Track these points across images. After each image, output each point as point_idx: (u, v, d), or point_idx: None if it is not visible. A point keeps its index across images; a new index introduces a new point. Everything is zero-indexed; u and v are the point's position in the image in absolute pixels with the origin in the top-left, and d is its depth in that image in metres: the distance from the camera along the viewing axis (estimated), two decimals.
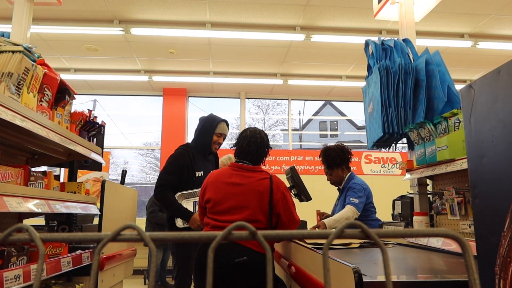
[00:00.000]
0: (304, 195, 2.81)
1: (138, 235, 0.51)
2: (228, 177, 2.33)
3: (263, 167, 2.48)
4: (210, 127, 3.06)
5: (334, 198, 3.42)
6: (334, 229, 0.50)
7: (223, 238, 0.49)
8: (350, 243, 2.15)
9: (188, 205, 2.90)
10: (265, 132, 2.53)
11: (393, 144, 3.02)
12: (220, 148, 3.28)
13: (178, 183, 2.91)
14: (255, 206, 2.22)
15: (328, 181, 3.27)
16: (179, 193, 2.89)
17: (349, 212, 2.87)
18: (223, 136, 3.12)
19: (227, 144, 9.39)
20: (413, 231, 0.49)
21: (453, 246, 1.93)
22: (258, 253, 2.15)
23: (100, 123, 3.06)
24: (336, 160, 3.11)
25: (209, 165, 3.14)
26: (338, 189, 3.30)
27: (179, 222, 2.85)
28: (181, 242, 0.50)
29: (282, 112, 10.17)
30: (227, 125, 3.17)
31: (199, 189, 2.82)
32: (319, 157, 3.27)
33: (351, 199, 2.94)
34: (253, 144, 2.38)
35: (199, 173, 2.99)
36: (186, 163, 2.95)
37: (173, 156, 3.02)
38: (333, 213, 3.28)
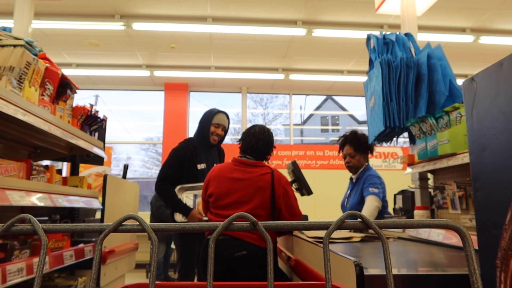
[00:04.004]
0: (305, 189, 2.81)
1: (140, 226, 0.51)
2: (231, 172, 2.34)
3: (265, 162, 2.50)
4: (208, 118, 3.06)
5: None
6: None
7: (224, 228, 0.49)
8: (352, 237, 2.16)
9: (188, 198, 2.91)
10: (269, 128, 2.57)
11: (394, 138, 3.01)
12: (224, 143, 3.27)
13: (179, 177, 2.92)
14: (256, 201, 2.23)
15: (346, 164, 3.16)
16: (179, 186, 2.90)
17: (374, 201, 2.80)
18: (222, 127, 3.09)
19: (230, 139, 9.40)
20: (414, 221, 0.49)
21: (454, 240, 1.93)
22: (258, 247, 2.16)
23: (101, 117, 3.07)
24: (368, 144, 3.08)
25: (212, 158, 3.13)
26: (350, 178, 3.25)
27: (179, 217, 2.86)
28: (183, 232, 0.50)
29: (281, 105, 10.17)
30: (227, 117, 3.14)
31: (200, 183, 2.83)
32: (343, 138, 3.16)
33: (369, 189, 2.89)
34: (262, 142, 2.42)
35: (201, 166, 2.99)
36: (187, 156, 2.96)
37: (174, 150, 3.03)
38: (343, 205, 3.26)
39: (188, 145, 3.02)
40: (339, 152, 3.24)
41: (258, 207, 2.23)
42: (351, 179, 3.24)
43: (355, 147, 3.08)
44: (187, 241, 2.95)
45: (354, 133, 3.13)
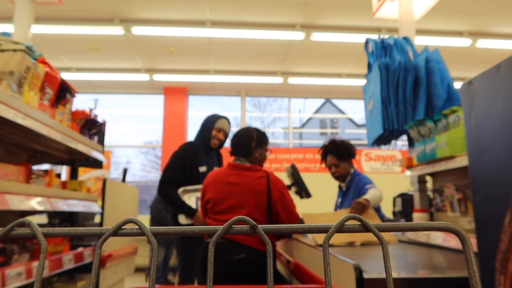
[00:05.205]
0: (304, 192, 2.81)
1: (139, 230, 0.51)
2: (226, 177, 2.34)
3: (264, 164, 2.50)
4: (210, 122, 3.10)
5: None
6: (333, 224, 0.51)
7: (224, 232, 0.49)
8: (353, 242, 2.16)
9: (191, 200, 2.91)
10: (261, 129, 2.54)
11: (393, 142, 3.01)
12: (224, 147, 3.28)
13: (181, 179, 2.93)
14: (252, 205, 2.23)
15: (332, 175, 3.08)
16: (182, 189, 2.90)
17: (376, 191, 2.70)
18: (223, 131, 3.13)
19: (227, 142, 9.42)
20: (413, 224, 0.49)
21: (453, 243, 1.93)
22: (256, 250, 2.16)
23: (101, 121, 3.07)
24: (350, 151, 2.98)
25: (212, 161, 3.15)
26: (339, 187, 3.20)
27: (182, 219, 2.87)
28: (182, 236, 0.50)
29: (279, 108, 10.18)
30: (229, 122, 3.18)
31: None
32: (323, 149, 3.09)
33: (366, 186, 2.82)
34: (236, 137, 2.45)
35: (202, 169, 3.00)
36: (189, 159, 2.98)
37: (176, 153, 3.04)
38: None
39: (190, 148, 3.03)
40: (321, 163, 3.15)
41: (255, 211, 2.23)
42: (340, 187, 3.18)
43: (338, 156, 2.99)
44: (188, 245, 2.95)
45: (333, 142, 3.03)
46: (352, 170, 3.04)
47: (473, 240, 1.26)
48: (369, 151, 8.16)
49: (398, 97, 2.77)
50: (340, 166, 3.01)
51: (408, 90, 2.77)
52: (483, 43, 6.33)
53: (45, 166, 3.32)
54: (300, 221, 2.45)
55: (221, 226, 0.49)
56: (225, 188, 2.30)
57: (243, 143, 2.42)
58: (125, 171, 4.34)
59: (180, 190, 2.90)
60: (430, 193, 2.73)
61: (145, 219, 6.44)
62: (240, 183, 2.29)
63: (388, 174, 8.06)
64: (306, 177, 2.96)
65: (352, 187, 2.98)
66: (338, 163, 3.01)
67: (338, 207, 3.16)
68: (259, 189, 2.25)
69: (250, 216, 2.20)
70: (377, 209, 2.94)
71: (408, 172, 2.69)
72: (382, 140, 2.96)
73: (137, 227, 0.51)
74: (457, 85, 2.05)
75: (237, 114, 9.07)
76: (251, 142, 2.43)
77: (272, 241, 2.35)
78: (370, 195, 2.63)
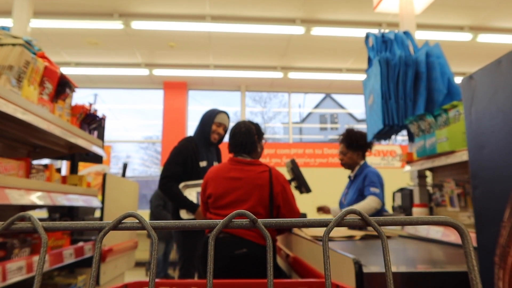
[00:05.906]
0: (304, 187, 2.82)
1: (140, 224, 0.51)
2: (228, 172, 2.34)
3: (262, 159, 2.50)
4: (210, 116, 3.11)
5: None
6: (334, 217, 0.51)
7: (224, 226, 0.49)
8: (352, 236, 2.16)
9: (192, 195, 2.92)
10: (258, 123, 2.54)
11: (393, 136, 3.02)
12: (223, 142, 3.29)
13: (182, 174, 2.93)
14: (254, 200, 2.23)
15: (340, 161, 3.20)
16: (183, 183, 2.91)
17: (373, 202, 2.79)
18: (223, 126, 3.13)
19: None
20: (413, 219, 0.49)
21: (453, 237, 1.94)
22: (257, 245, 2.17)
23: (100, 116, 3.07)
24: (360, 141, 3.08)
25: (212, 156, 3.15)
26: (349, 176, 3.26)
27: (183, 214, 2.87)
28: (182, 230, 0.50)
29: (279, 103, 10.17)
30: (228, 117, 3.18)
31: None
32: (341, 136, 3.21)
33: (371, 189, 2.88)
34: (237, 135, 2.43)
35: (203, 163, 3.01)
36: (190, 153, 2.98)
37: (176, 148, 3.04)
38: (341, 202, 3.26)
39: (190, 143, 3.03)
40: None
41: (257, 205, 2.23)
42: (349, 177, 3.25)
43: (347, 144, 3.10)
44: (188, 239, 2.96)
45: (348, 131, 3.16)
46: (361, 162, 3.12)
47: (472, 235, 1.26)
48: None
49: (398, 91, 2.77)
50: (347, 154, 3.12)
51: (408, 84, 2.76)
52: (484, 38, 6.30)
53: (45, 161, 3.32)
54: (301, 216, 2.46)
55: (221, 220, 0.49)
56: (227, 183, 2.30)
57: (249, 142, 2.41)
58: (125, 166, 4.34)
59: (181, 185, 2.90)
60: (429, 188, 2.74)
61: (145, 214, 6.45)
62: (243, 177, 2.29)
63: (388, 169, 8.07)
64: (305, 172, 2.97)
65: (358, 178, 3.06)
66: (345, 151, 3.12)
67: (344, 195, 3.22)
68: (262, 183, 2.26)
69: (253, 210, 2.20)
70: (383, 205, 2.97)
71: (408, 167, 2.69)
72: (382, 135, 2.96)
73: (137, 221, 0.51)
74: (458, 79, 2.04)
75: (237, 109, 9.05)
76: (254, 138, 2.44)
77: (272, 235, 2.36)
78: (359, 207, 2.70)
